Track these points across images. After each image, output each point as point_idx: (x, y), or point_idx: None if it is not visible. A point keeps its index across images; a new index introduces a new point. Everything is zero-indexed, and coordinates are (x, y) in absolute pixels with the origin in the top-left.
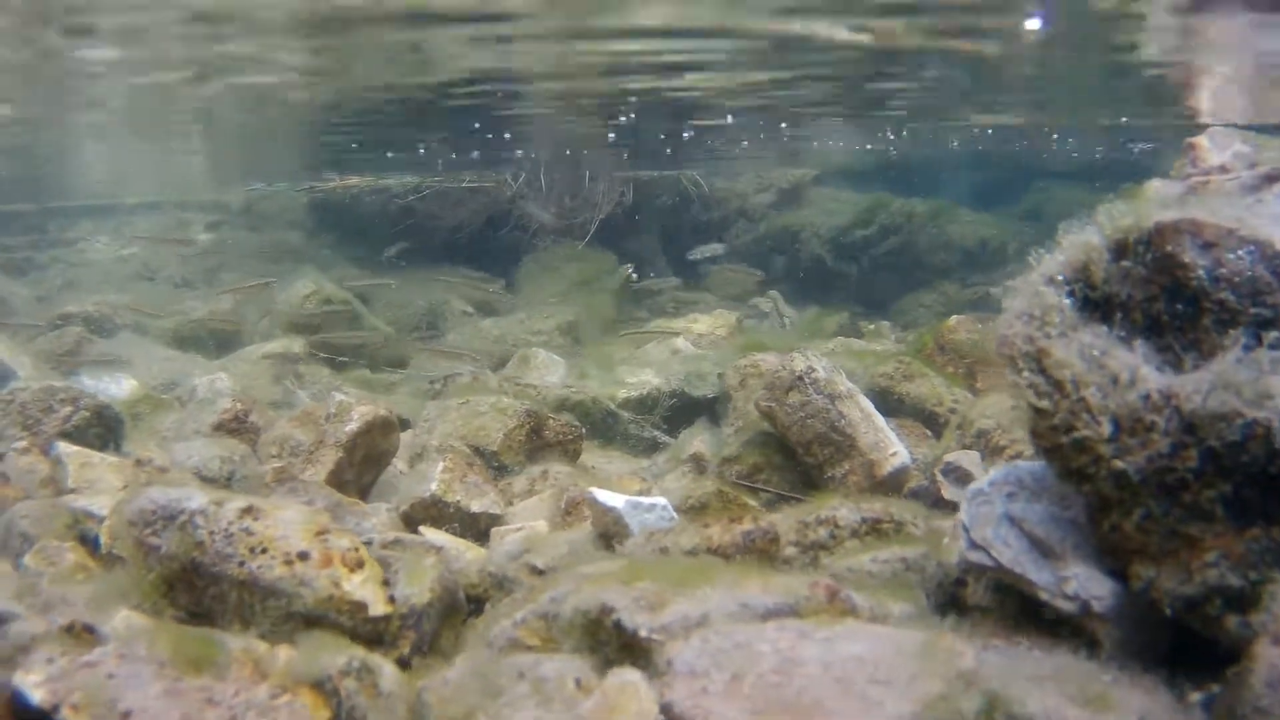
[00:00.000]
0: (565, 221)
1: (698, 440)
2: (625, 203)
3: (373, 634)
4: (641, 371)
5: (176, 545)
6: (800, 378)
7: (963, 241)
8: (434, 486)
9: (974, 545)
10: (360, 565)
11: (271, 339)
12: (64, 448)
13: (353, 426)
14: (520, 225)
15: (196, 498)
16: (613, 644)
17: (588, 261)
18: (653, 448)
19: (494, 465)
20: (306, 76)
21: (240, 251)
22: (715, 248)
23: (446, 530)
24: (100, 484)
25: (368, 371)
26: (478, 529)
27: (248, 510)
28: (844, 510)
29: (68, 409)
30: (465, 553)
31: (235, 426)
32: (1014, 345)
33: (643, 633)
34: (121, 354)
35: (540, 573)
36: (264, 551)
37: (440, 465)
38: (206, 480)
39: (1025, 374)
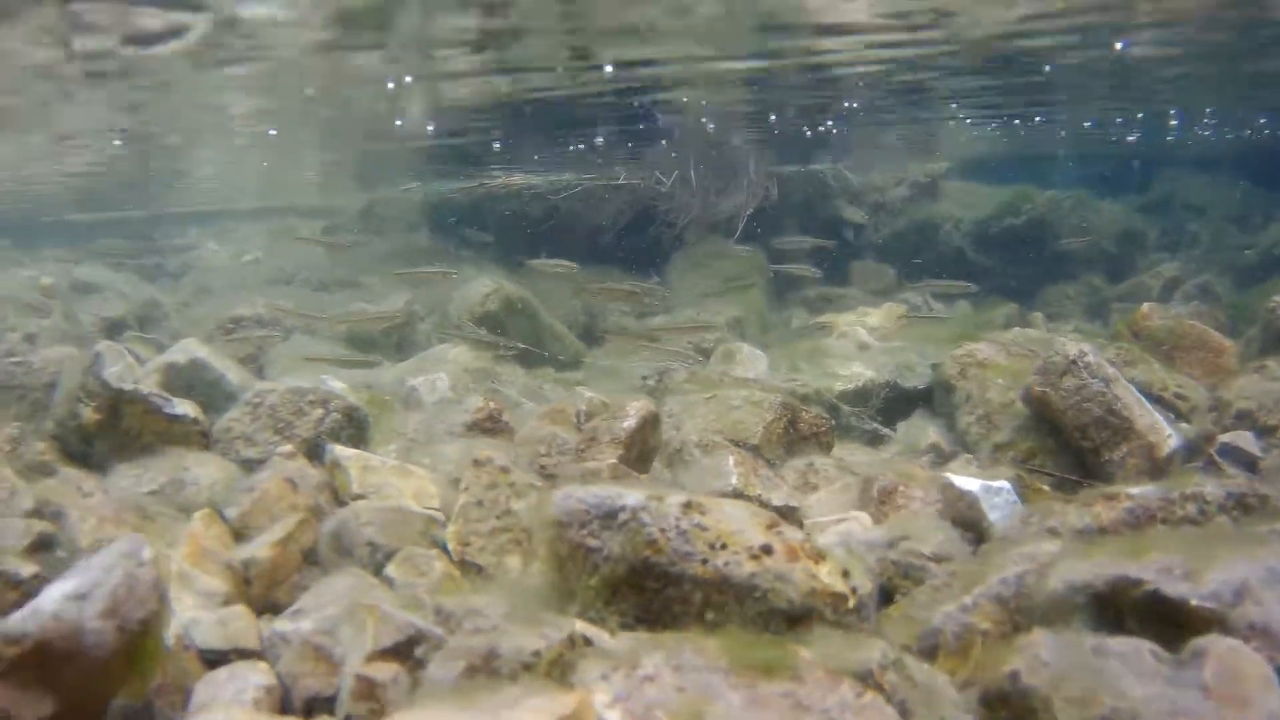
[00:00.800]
0: (712, 218)
1: (931, 430)
2: (771, 198)
3: (843, 626)
4: (851, 364)
5: (624, 545)
6: (1074, 361)
7: (1104, 232)
8: (734, 480)
9: None
10: (822, 557)
11: (445, 339)
12: (340, 451)
13: (630, 423)
14: (667, 222)
15: (631, 494)
16: (1145, 615)
17: (736, 258)
18: (874, 439)
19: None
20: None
21: (371, 255)
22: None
23: None
24: (387, 488)
25: (552, 370)
26: None
27: (690, 505)
28: (1210, 486)
29: (319, 411)
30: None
31: (490, 426)
32: None
33: (1193, 601)
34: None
35: (936, 560)
36: (724, 547)
37: (731, 459)
38: None
39: None
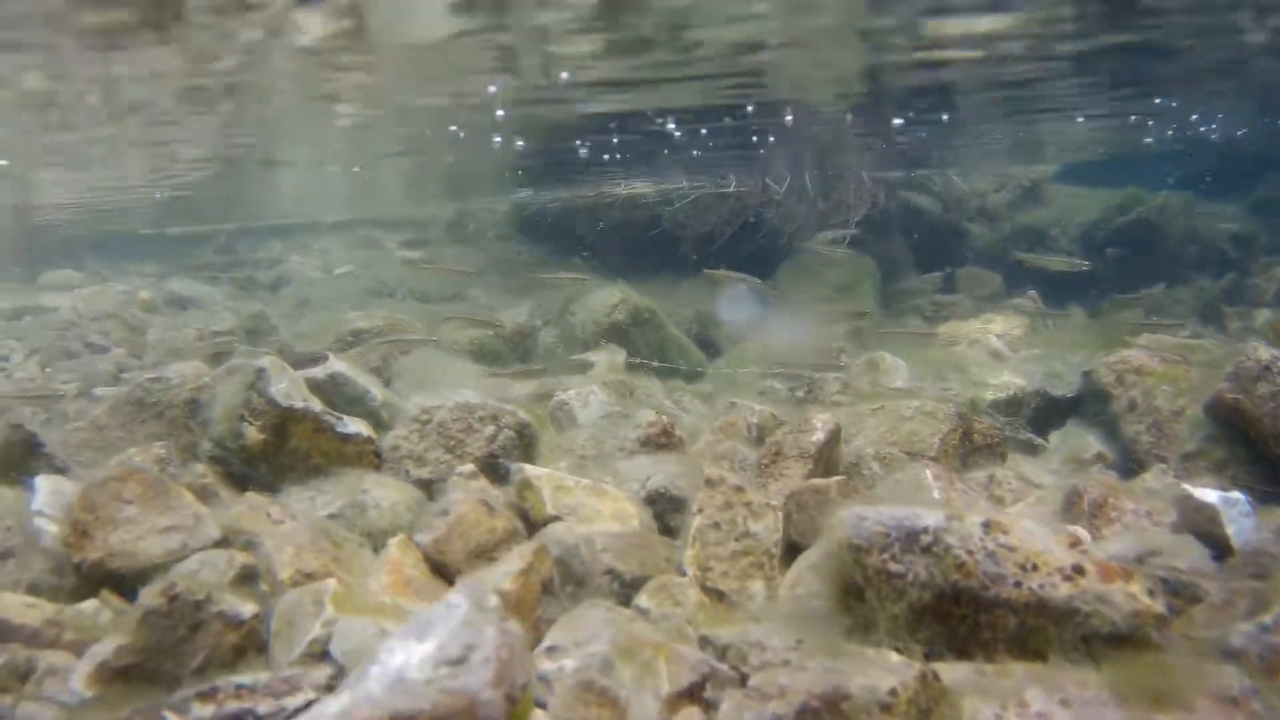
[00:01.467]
0: (821, 225)
1: (1091, 440)
2: (879, 204)
3: (1163, 648)
4: (999, 372)
5: (930, 570)
6: (1267, 367)
7: (1212, 235)
8: (936, 495)
9: None
10: (1131, 575)
11: (563, 349)
12: (531, 470)
13: (819, 436)
14: (775, 230)
15: (929, 515)
16: None
17: (846, 265)
18: (1029, 449)
19: None
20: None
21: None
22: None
23: None
24: (584, 509)
25: (682, 381)
26: None
27: (991, 524)
28: None
29: (490, 428)
30: None
31: (664, 441)
32: None
33: None
34: (434, 369)
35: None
36: (1035, 568)
37: (929, 472)
38: (675, 500)
39: None
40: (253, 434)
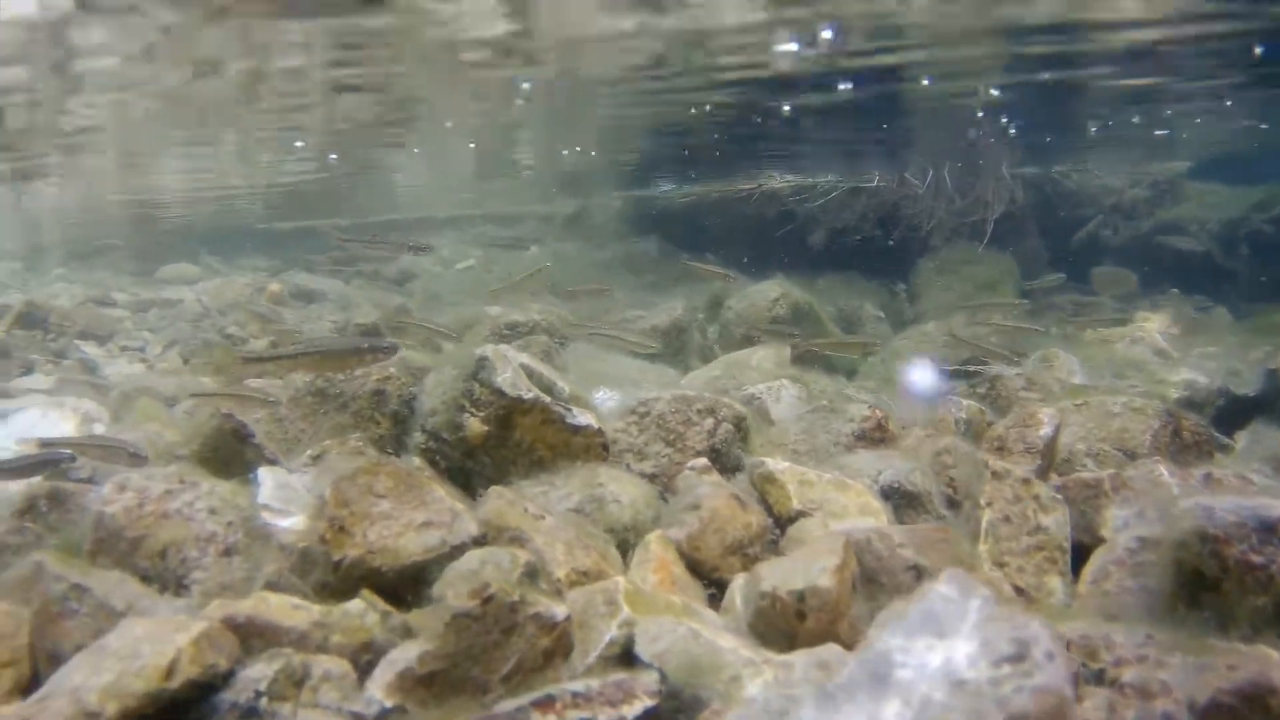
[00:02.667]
0: (957, 222)
1: None
2: (1017, 202)
3: None
4: (1177, 370)
5: None
6: None
7: None
8: (1175, 491)
9: None
10: None
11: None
12: (773, 464)
13: (1047, 431)
14: (912, 227)
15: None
16: None
17: (985, 264)
18: (1220, 449)
19: None
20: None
21: (593, 263)
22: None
23: None
24: (830, 504)
25: (844, 379)
26: None
27: None
28: None
29: (709, 421)
30: None
31: (879, 435)
32: None
33: None
34: (592, 363)
35: None
36: None
37: (1163, 469)
38: (909, 495)
39: None
40: (475, 426)
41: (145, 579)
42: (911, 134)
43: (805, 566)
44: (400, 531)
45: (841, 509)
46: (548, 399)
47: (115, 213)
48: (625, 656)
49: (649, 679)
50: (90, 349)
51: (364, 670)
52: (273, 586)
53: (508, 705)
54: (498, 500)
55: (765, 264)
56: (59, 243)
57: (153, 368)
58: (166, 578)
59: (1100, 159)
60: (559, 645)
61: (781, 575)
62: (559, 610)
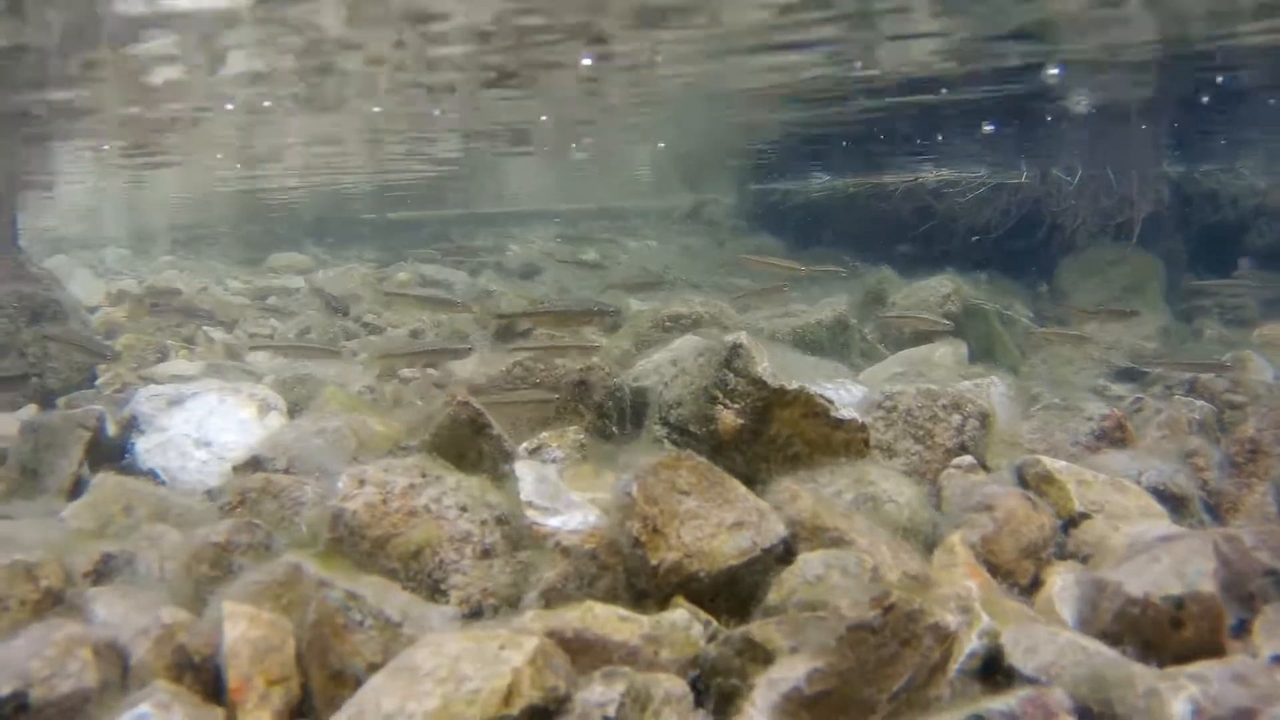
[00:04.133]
0: (1103, 222)
1: None
2: (1164, 202)
3: None
4: None
5: None
6: None
7: None
8: None
9: None
10: None
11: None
12: (1050, 463)
13: None
14: (1056, 225)
15: None
16: None
17: (1131, 264)
18: None
19: None
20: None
21: (717, 259)
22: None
23: None
24: (1110, 505)
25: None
26: None
27: None
28: None
29: (956, 417)
30: None
31: (1119, 435)
32: None
33: None
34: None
35: None
36: None
37: None
38: (1176, 498)
39: None
40: (728, 418)
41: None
42: (1057, 130)
43: (1173, 571)
44: (713, 532)
45: (1124, 511)
46: (814, 389)
47: (225, 200)
48: (986, 670)
49: (1058, 696)
50: (217, 335)
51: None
52: (556, 594)
53: None
54: (808, 498)
55: (898, 262)
56: (167, 229)
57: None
58: (419, 582)
59: (1254, 160)
60: (945, 659)
61: (1150, 580)
62: (951, 620)
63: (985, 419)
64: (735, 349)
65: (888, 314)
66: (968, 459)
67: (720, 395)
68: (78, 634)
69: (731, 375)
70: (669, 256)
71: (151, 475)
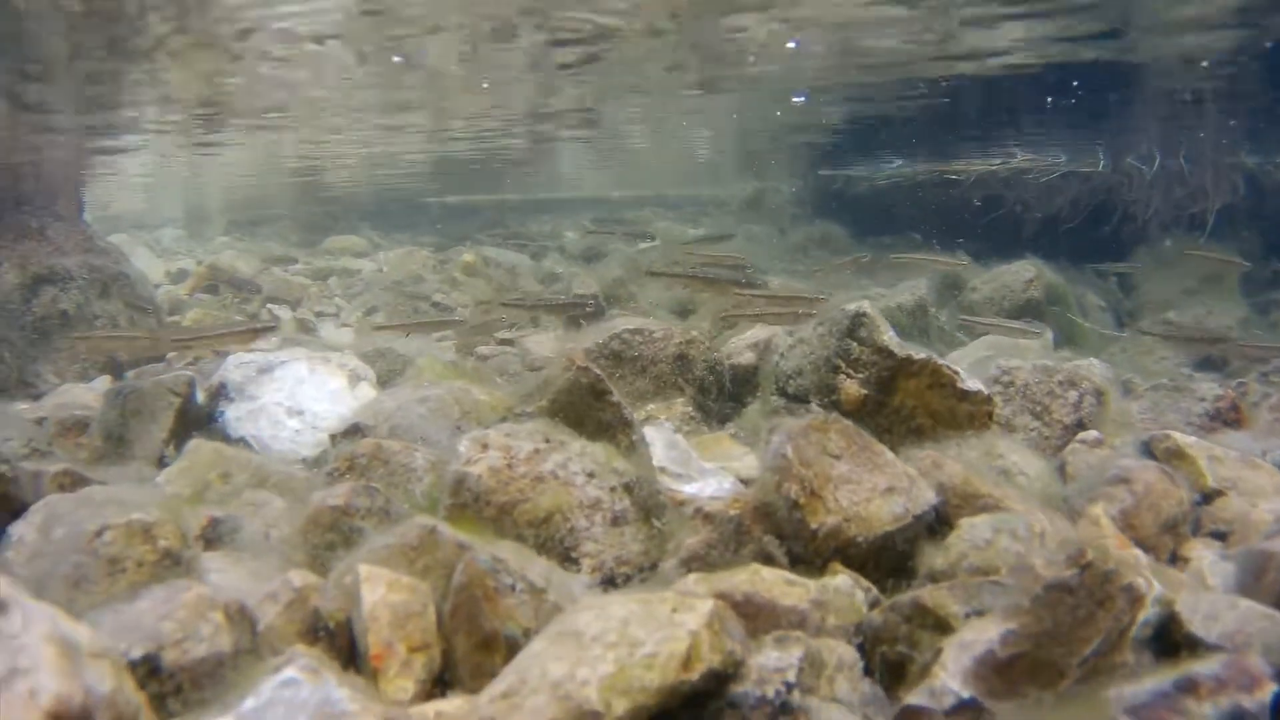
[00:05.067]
0: (1176, 212)
1: None
2: (1238, 192)
3: None
4: None
5: None
6: None
7: None
8: None
9: None
10: None
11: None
12: (1180, 438)
13: None
14: (1128, 215)
15: None
16: None
17: (1209, 258)
18: None
19: None
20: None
21: (779, 245)
22: None
23: None
24: (1243, 482)
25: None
26: None
27: None
28: None
29: (1072, 393)
30: None
31: (1233, 416)
32: None
33: None
34: None
35: None
36: None
37: None
38: None
39: None
40: (851, 388)
41: None
42: (1131, 118)
43: None
44: (867, 497)
45: (1258, 488)
46: (940, 360)
47: (282, 181)
48: (1158, 638)
49: (1257, 661)
50: (282, 313)
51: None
52: (699, 561)
53: (1138, 688)
54: (956, 465)
55: (965, 251)
56: (223, 210)
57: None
58: (549, 549)
59: None
60: (1132, 623)
61: None
62: (1142, 582)
63: (1101, 396)
64: (858, 318)
65: (972, 317)
66: (1093, 434)
67: (843, 365)
68: (207, 596)
69: (855, 344)
70: (733, 244)
71: (242, 443)
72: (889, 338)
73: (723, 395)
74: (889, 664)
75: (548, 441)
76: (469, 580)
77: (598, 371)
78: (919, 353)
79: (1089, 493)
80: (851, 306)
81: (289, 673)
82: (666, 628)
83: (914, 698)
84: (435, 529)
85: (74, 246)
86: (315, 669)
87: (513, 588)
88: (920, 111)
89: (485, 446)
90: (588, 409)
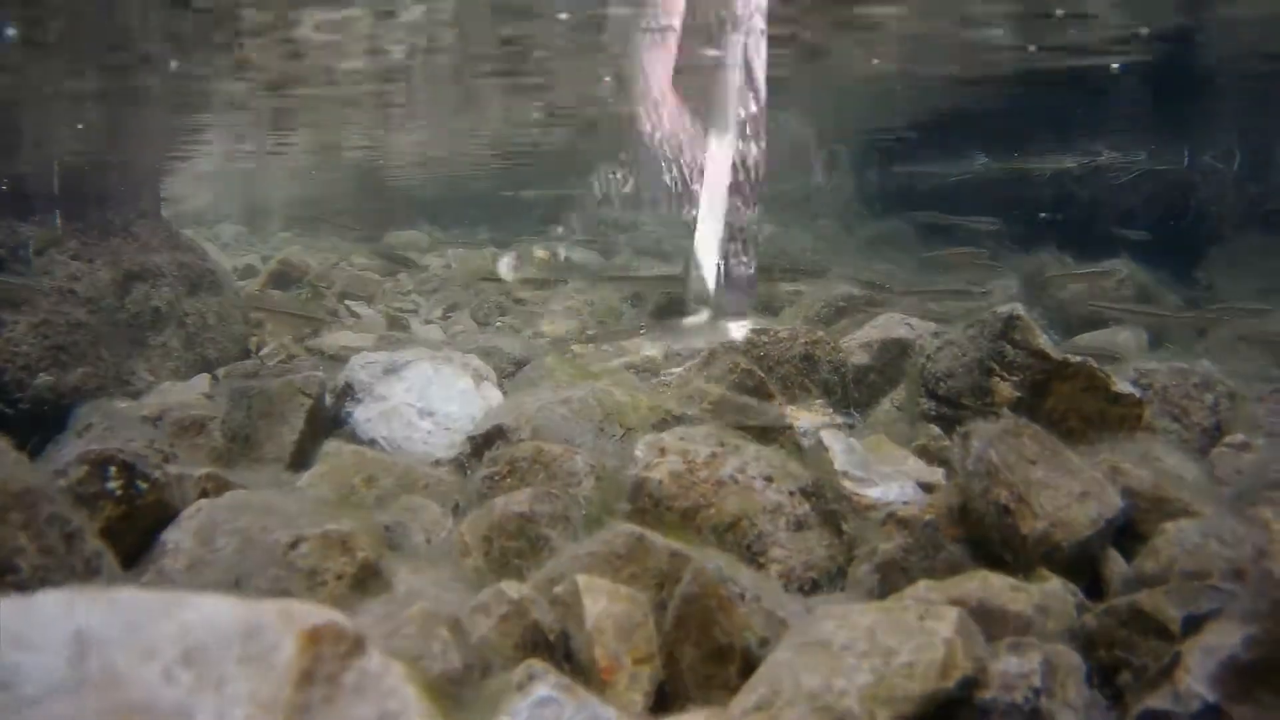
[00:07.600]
0: (1251, 210)
1: None
2: None
3: None
4: None
5: None
6: None
7: None
8: None
9: None
10: None
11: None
12: None
13: None
14: (1201, 214)
15: None
16: None
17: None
18: None
19: None
20: None
21: (853, 242)
22: None
23: None
24: None
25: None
26: None
27: None
28: None
29: (1209, 395)
30: None
31: None
32: None
33: None
34: None
35: None
36: None
37: None
38: None
39: None
40: (1003, 391)
41: None
42: (1206, 113)
43: None
44: (1067, 502)
45: None
46: (1095, 363)
47: (343, 177)
48: None
49: None
50: (360, 309)
51: None
52: (894, 567)
53: None
54: (1143, 469)
55: (1032, 249)
56: (283, 206)
57: (451, 334)
58: (736, 556)
59: None
60: None
61: None
62: None
63: (1234, 398)
64: (1012, 320)
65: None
66: (1240, 437)
67: (997, 367)
68: (430, 611)
69: (1009, 347)
70: (803, 241)
71: (374, 445)
72: (1044, 341)
73: (847, 396)
74: (1104, 668)
75: (722, 445)
76: (702, 590)
77: (761, 374)
78: (1076, 356)
79: (1251, 496)
80: (1004, 309)
81: (543, 690)
82: (918, 635)
83: (1156, 701)
84: (644, 536)
85: (160, 243)
86: (569, 685)
87: (742, 596)
88: (999, 106)
89: (663, 451)
90: (752, 411)
